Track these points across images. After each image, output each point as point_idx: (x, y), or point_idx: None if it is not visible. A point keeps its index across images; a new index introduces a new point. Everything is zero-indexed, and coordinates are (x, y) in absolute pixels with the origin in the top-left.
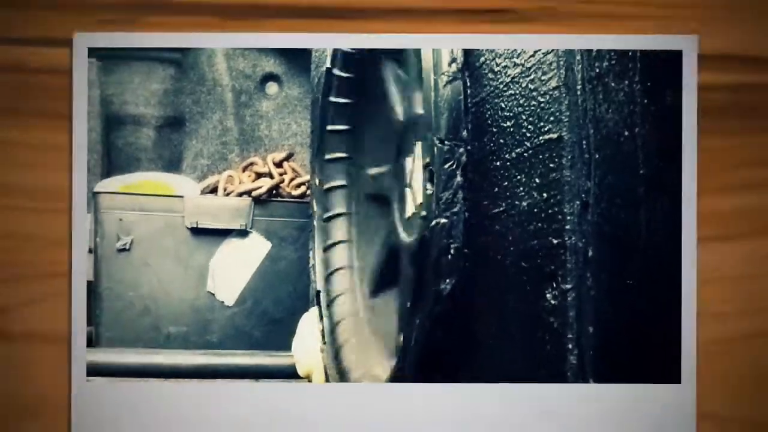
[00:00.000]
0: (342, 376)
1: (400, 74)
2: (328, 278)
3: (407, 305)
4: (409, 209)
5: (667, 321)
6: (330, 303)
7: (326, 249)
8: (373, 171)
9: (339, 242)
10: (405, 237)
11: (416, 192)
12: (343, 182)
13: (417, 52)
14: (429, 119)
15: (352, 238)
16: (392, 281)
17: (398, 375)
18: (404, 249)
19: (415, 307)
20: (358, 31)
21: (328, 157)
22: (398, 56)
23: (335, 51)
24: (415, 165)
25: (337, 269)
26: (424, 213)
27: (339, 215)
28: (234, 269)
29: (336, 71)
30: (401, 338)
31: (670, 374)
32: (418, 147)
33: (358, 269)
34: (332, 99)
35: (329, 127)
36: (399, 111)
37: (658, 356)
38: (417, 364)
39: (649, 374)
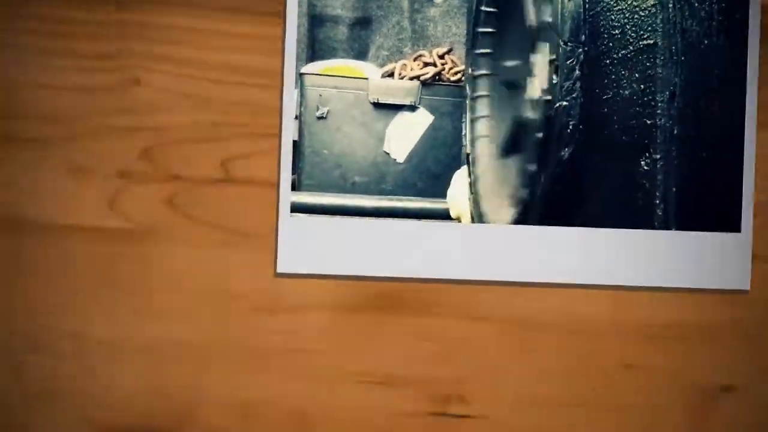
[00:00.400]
0: (481, 218)
1: None
2: (473, 143)
3: (533, 167)
4: (536, 94)
5: (732, 184)
6: (474, 163)
7: (473, 121)
8: (510, 64)
9: (482, 116)
10: (531, 114)
11: (541, 81)
12: (488, 71)
13: None
14: (556, 26)
15: (492, 114)
16: (519, 148)
17: (520, 219)
18: (530, 124)
19: (540, 169)
20: None
21: (477, 52)
22: None
23: None
24: (542, 60)
25: (480, 137)
26: (548, 97)
27: (483, 96)
28: (405, 135)
29: None
30: (524, 192)
31: (734, 224)
32: (546, 47)
33: (495, 137)
34: (483, 8)
35: (479, 30)
36: (533, 19)
37: (725, 210)
38: (540, 212)
39: (718, 224)
